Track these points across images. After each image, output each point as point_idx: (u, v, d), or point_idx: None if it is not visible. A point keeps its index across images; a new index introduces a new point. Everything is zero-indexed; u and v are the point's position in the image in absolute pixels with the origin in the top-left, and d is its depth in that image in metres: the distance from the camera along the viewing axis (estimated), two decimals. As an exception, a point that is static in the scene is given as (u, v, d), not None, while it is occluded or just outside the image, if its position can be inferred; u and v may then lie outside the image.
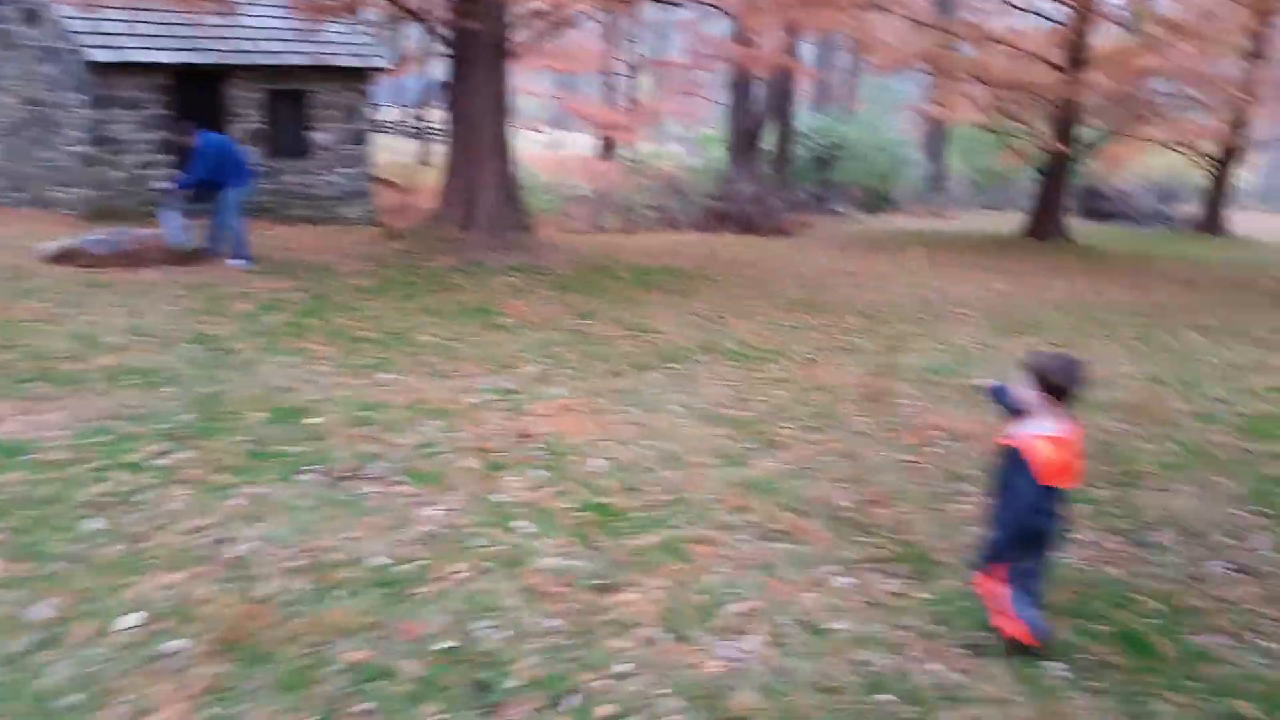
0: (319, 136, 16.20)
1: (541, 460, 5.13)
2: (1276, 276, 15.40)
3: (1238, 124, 22.17)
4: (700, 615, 3.62)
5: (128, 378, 6.16)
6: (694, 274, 12.65)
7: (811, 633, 3.55)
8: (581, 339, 8.32)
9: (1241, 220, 25.62)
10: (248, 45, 14.95)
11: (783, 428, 6.03)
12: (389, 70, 19.26)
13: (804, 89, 34.50)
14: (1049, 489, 3.18)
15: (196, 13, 12.91)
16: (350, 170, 16.69)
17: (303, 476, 4.68)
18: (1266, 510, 5.02)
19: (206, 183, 10.34)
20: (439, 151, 15.67)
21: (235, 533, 4.01)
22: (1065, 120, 19.00)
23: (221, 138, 10.52)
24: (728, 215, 19.07)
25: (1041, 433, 3.19)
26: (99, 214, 13.59)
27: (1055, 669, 3.36)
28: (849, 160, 24.90)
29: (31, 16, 14.25)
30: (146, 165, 14.36)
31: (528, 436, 5.47)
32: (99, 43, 13.60)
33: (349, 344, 7.64)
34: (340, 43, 16.02)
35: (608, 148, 42.86)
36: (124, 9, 13.45)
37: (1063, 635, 3.59)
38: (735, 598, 3.77)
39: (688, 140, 48.57)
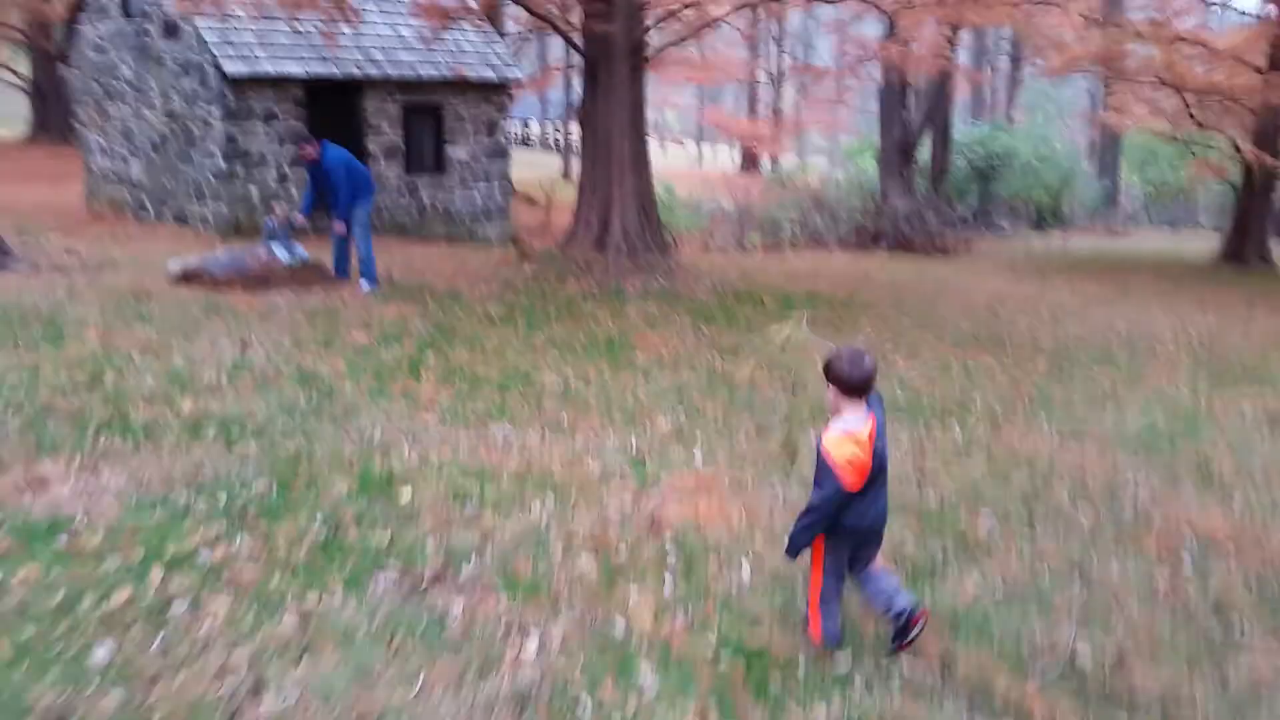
0: (456, 151, 15.70)
1: (672, 563, 4.05)
2: None
3: None
4: None
5: (209, 429, 5.43)
6: (848, 301, 11.39)
7: None
8: (723, 384, 7.22)
9: None
10: (379, 57, 14.55)
11: (981, 519, 4.75)
12: (528, 83, 18.70)
13: (959, 97, 32.47)
14: (852, 490, 3.16)
15: (326, 23, 12.47)
16: (488, 186, 16.13)
17: (377, 580, 3.74)
18: None
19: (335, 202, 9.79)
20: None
21: (269, 677, 3.07)
22: (1268, 129, 16.72)
23: (343, 150, 9.91)
24: (880, 233, 17.62)
25: (839, 431, 3.21)
26: (235, 230, 13.39)
27: None
28: (1013, 173, 22.89)
29: (170, 29, 14.13)
30: (283, 179, 14.13)
31: (656, 526, 4.39)
32: (233, 54, 13.38)
33: (465, 386, 6.79)
34: (475, 54, 15.48)
35: (750, 161, 41.69)
36: (258, 20, 13.17)
37: None
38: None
39: (831, 153, 46.94)
